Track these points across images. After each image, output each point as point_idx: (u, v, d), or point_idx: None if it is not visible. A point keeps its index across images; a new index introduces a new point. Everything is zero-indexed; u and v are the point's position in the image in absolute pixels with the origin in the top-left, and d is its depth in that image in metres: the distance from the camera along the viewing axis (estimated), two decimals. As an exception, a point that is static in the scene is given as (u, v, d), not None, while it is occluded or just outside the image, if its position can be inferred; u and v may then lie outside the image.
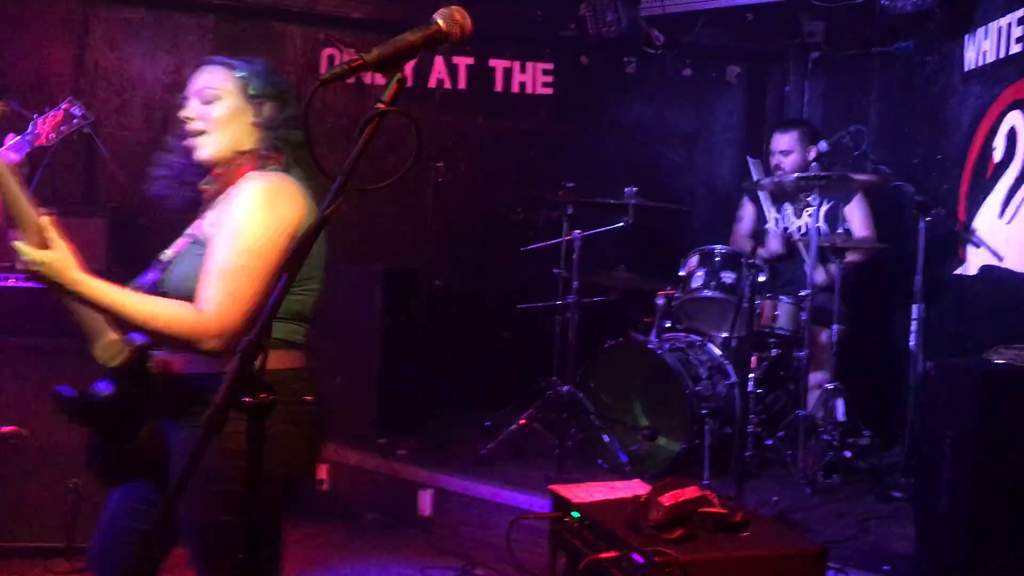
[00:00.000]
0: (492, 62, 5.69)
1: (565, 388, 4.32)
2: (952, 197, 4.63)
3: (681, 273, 4.60)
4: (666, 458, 4.25)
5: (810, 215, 4.48)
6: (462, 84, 5.63)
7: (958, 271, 4.56)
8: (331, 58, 5.46)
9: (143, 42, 5.22)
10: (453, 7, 1.52)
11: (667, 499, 2.36)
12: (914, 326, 4.20)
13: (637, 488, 2.67)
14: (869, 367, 4.81)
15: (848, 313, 4.45)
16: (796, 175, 4.34)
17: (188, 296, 2.00)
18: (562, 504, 2.66)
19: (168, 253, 2.15)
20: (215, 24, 5.30)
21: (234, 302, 1.93)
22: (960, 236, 4.47)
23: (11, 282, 3.90)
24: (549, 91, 5.75)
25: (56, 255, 1.88)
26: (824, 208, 4.66)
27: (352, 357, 4.66)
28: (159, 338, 1.96)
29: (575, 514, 2.57)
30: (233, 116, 2.14)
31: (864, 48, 5.42)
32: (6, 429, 3.74)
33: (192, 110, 2.15)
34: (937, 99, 4.89)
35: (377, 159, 4.66)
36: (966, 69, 4.62)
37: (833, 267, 4.35)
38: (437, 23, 1.51)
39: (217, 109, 2.14)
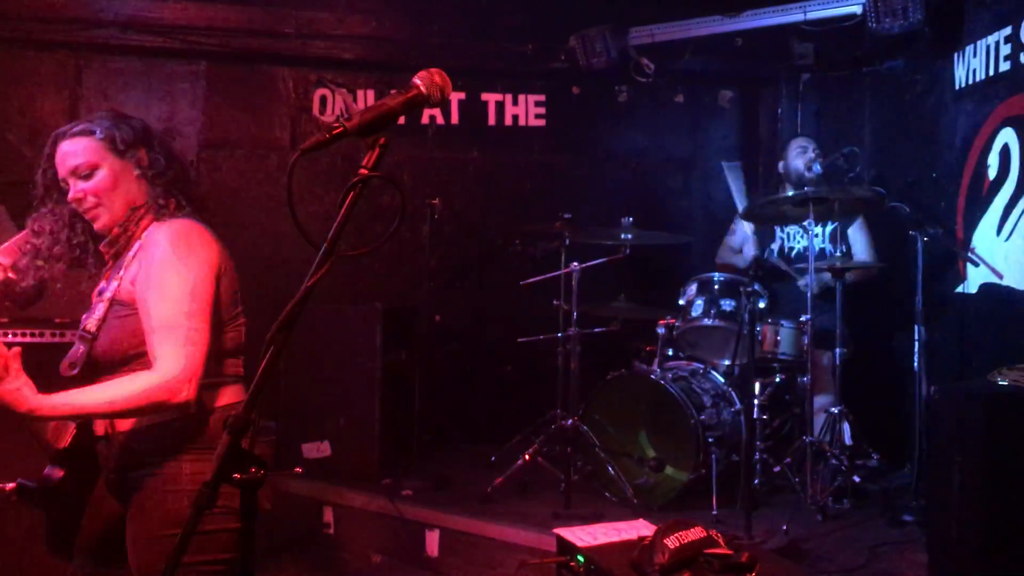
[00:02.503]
0: (484, 96, 5.71)
1: (569, 421, 4.30)
2: (949, 215, 4.62)
3: (681, 302, 4.59)
4: (673, 488, 4.22)
5: (814, 235, 4.46)
6: (455, 119, 5.65)
7: (959, 289, 4.54)
8: (323, 99, 5.49)
9: (136, 90, 5.26)
10: (433, 69, 1.52)
11: (672, 541, 2.34)
12: (916, 347, 4.18)
13: (642, 528, 2.65)
14: (874, 388, 4.78)
15: (850, 335, 4.44)
16: (792, 193, 4.36)
17: (122, 360, 2.04)
18: (567, 547, 2.64)
19: (92, 321, 2.12)
20: (207, 70, 5.34)
21: (187, 347, 1.96)
22: (959, 254, 4.46)
23: (8, 338, 3.90)
24: (542, 123, 5.77)
25: (12, 387, 1.92)
26: (828, 229, 4.69)
27: (353, 397, 4.65)
28: (134, 415, 1.99)
29: (580, 558, 2.55)
30: (117, 178, 2.14)
31: (854, 68, 5.44)
32: (7, 486, 3.73)
33: (78, 190, 2.13)
34: (929, 118, 4.90)
35: (371, 196, 4.67)
36: (957, 87, 4.62)
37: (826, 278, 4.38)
38: (418, 86, 1.50)
39: (99, 178, 2.13)
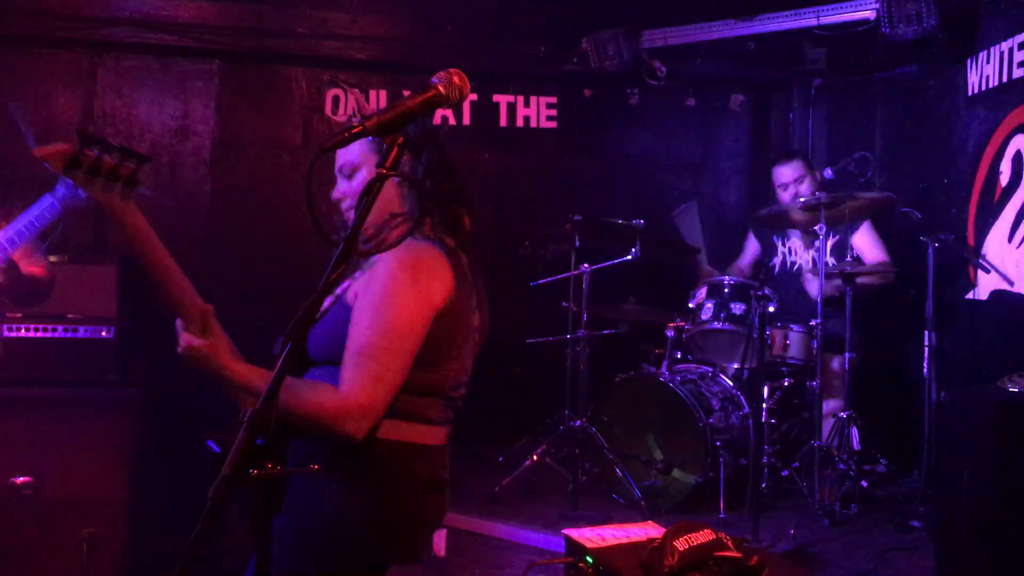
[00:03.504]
0: (496, 97, 5.72)
1: (578, 423, 4.30)
2: (960, 222, 4.62)
3: (690, 305, 4.60)
4: (681, 491, 4.22)
5: (817, 248, 4.48)
6: (466, 120, 5.66)
7: (970, 295, 4.54)
8: (336, 99, 5.50)
9: (150, 89, 5.28)
10: (452, 70, 1.53)
11: (681, 543, 2.34)
12: (926, 353, 4.18)
13: (650, 530, 2.65)
14: (883, 394, 4.78)
15: (860, 340, 4.43)
16: (802, 199, 4.37)
17: (326, 357, 1.96)
18: (576, 548, 2.64)
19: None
20: (220, 69, 5.36)
21: (375, 383, 1.88)
22: (970, 260, 4.45)
23: (22, 333, 3.93)
24: (553, 124, 5.77)
25: (208, 343, 1.89)
26: (831, 242, 4.65)
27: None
28: (297, 420, 1.88)
29: (589, 559, 2.56)
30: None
31: (867, 74, 5.44)
32: (19, 480, 3.75)
33: (339, 189, 2.12)
34: (941, 124, 4.89)
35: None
36: (970, 93, 4.62)
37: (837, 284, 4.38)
38: (436, 87, 1.51)
39: (358, 181, 2.08)
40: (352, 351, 1.90)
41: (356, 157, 2.09)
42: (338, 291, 2.08)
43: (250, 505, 1.91)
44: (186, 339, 1.89)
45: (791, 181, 4.77)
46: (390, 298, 1.91)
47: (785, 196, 4.79)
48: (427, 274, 1.95)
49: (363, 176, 2.09)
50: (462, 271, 2.04)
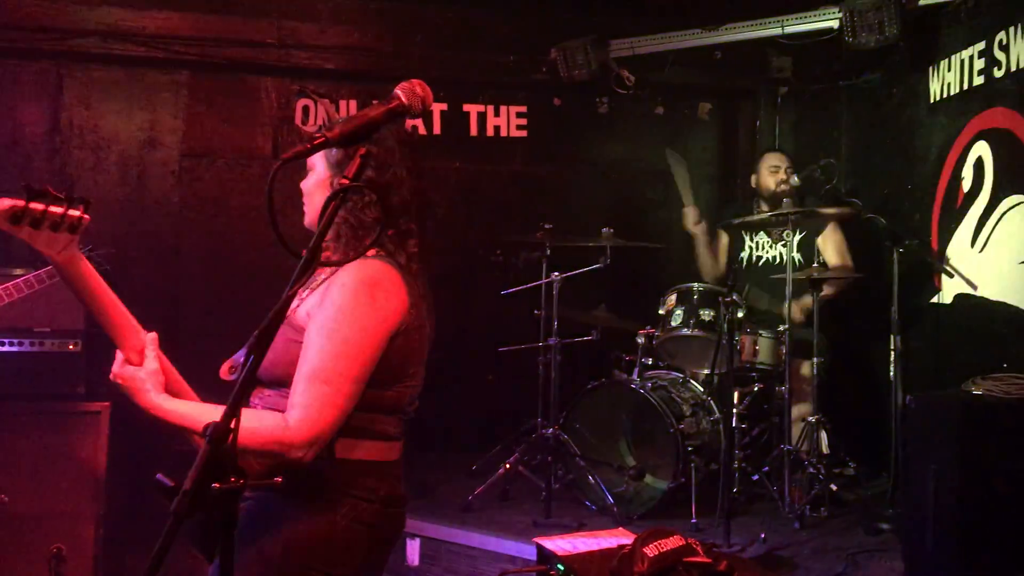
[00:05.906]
0: (466, 107, 5.73)
1: (550, 430, 4.32)
2: (924, 227, 4.69)
3: (660, 312, 4.63)
4: (653, 497, 4.24)
5: (784, 245, 4.56)
6: (437, 130, 5.67)
7: (934, 300, 4.60)
8: (306, 109, 5.49)
9: (117, 99, 5.24)
10: (414, 80, 1.53)
11: (651, 550, 2.36)
12: (892, 357, 4.23)
13: (621, 537, 2.67)
14: (851, 398, 4.83)
15: (828, 345, 4.48)
16: (769, 213, 4.42)
17: (278, 380, 1.91)
18: (547, 557, 2.65)
19: None
20: (189, 79, 5.33)
21: (325, 408, 1.81)
22: (934, 265, 4.52)
23: (-12, 347, 3.88)
24: (523, 134, 5.79)
25: (138, 375, 1.83)
26: (796, 239, 4.72)
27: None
28: (247, 451, 1.79)
29: (560, 567, 2.56)
30: (319, 186, 2.01)
31: (832, 82, 5.51)
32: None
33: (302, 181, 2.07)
34: (905, 130, 4.96)
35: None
36: (932, 101, 4.69)
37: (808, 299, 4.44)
38: (399, 97, 1.52)
39: (308, 180, 2.03)
40: (304, 373, 1.83)
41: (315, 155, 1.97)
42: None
43: (205, 524, 1.89)
44: (115, 369, 1.85)
45: (783, 165, 4.89)
46: (346, 319, 1.85)
47: (770, 180, 4.90)
48: (384, 294, 1.89)
49: (311, 178, 2.04)
50: (414, 287, 1.97)
